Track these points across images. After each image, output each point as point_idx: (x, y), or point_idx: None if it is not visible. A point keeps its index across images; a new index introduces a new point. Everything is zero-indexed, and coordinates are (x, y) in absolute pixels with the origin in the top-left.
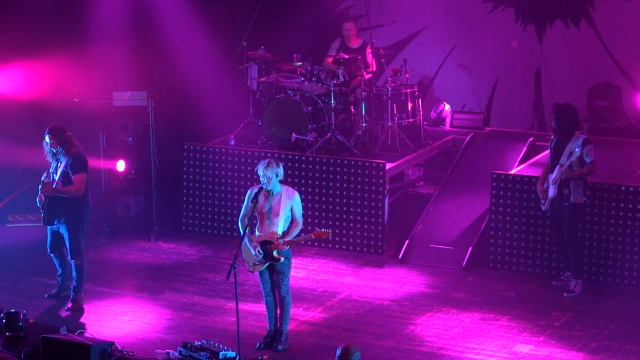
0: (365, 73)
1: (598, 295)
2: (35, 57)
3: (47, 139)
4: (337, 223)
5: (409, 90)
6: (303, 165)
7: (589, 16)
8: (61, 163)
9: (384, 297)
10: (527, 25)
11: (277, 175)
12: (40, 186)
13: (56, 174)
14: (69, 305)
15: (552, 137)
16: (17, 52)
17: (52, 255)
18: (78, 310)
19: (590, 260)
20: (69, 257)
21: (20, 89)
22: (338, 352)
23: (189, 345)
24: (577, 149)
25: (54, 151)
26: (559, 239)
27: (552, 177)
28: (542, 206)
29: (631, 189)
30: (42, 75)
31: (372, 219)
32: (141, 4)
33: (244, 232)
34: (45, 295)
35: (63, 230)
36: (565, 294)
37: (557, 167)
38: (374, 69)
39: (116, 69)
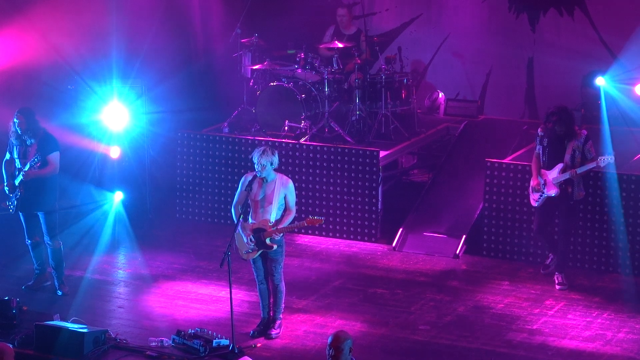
0: (359, 60)
1: (592, 284)
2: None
3: (16, 119)
4: (330, 211)
5: (403, 78)
6: (297, 153)
7: (583, 4)
8: (30, 145)
9: (378, 285)
10: (520, 14)
11: (271, 164)
12: (23, 174)
13: (25, 156)
14: (64, 290)
15: (541, 133)
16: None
17: (30, 242)
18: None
19: (584, 249)
20: (47, 239)
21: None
22: (330, 339)
23: (182, 333)
24: (587, 151)
25: (20, 132)
26: (546, 234)
27: (554, 177)
28: (535, 202)
29: (624, 177)
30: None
31: (366, 207)
32: None
33: (238, 219)
34: (22, 287)
35: (41, 214)
36: (558, 288)
37: (560, 166)
38: (368, 56)
39: (110, 58)
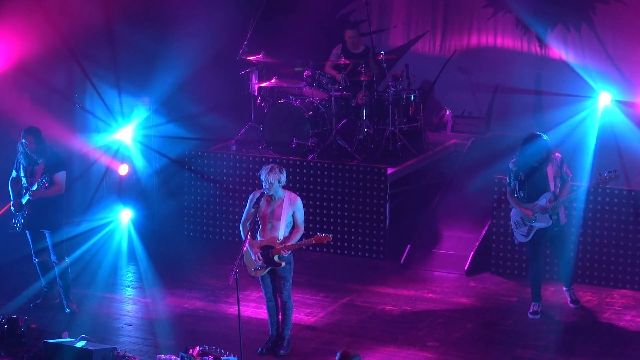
0: (366, 78)
1: (600, 300)
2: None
3: (25, 139)
4: (338, 228)
5: (410, 95)
6: (304, 170)
7: (589, 21)
8: (38, 165)
9: (386, 302)
10: (527, 30)
11: (279, 181)
12: (29, 193)
13: (32, 175)
14: (72, 308)
15: (515, 168)
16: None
17: (37, 260)
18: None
19: (593, 265)
20: (54, 257)
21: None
22: (338, 356)
23: (190, 350)
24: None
25: (29, 152)
26: (540, 266)
27: (543, 207)
28: (526, 237)
29: (633, 193)
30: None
31: (374, 224)
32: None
33: (246, 236)
34: (30, 305)
35: (47, 232)
36: (573, 306)
37: (547, 195)
38: (376, 73)
39: (116, 74)
